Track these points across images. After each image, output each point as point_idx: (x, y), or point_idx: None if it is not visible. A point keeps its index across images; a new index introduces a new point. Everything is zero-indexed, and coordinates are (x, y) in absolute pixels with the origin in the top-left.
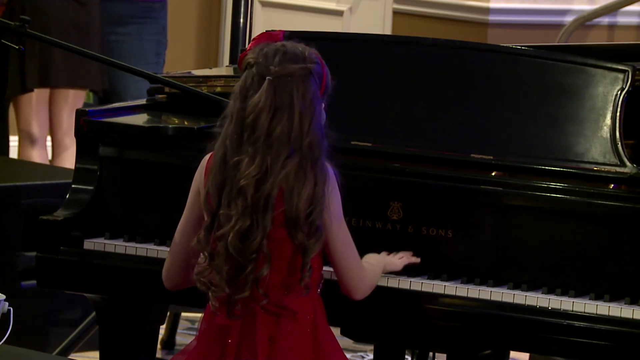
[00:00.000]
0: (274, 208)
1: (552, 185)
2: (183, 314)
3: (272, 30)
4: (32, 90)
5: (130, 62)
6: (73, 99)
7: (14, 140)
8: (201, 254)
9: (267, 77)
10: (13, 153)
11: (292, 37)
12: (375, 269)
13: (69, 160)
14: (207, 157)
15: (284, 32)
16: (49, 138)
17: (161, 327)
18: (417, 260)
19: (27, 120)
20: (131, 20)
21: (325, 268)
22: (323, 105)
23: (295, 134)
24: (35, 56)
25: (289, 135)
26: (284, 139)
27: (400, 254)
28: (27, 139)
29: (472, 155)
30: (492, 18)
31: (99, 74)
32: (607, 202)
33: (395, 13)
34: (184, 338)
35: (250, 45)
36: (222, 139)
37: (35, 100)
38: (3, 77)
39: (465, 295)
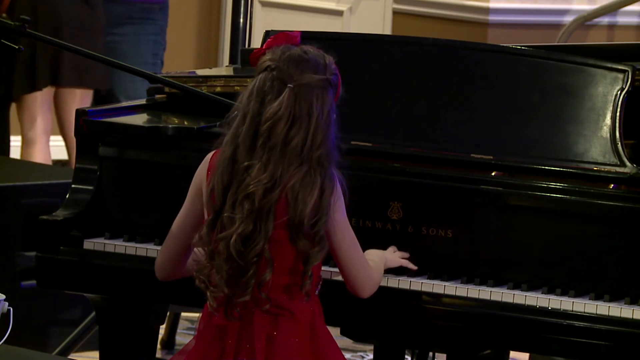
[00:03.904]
0: (276, 215)
1: (552, 185)
2: (183, 314)
3: (289, 31)
4: (40, 90)
5: (126, 62)
6: (80, 98)
7: (15, 140)
8: (199, 250)
9: (289, 85)
10: (14, 153)
11: (307, 38)
12: (379, 266)
13: None
14: (211, 153)
15: (301, 33)
16: (51, 138)
17: (161, 327)
18: (415, 268)
19: (32, 120)
20: (128, 21)
21: (324, 268)
22: (334, 115)
23: (309, 145)
24: (47, 56)
25: (302, 146)
26: (298, 149)
27: (399, 253)
28: (30, 138)
29: (472, 155)
30: (492, 18)
31: (104, 73)
32: (607, 202)
33: (395, 13)
34: (184, 338)
35: (266, 44)
36: (231, 137)
37: (40, 99)
38: (9, 77)
39: (465, 295)
